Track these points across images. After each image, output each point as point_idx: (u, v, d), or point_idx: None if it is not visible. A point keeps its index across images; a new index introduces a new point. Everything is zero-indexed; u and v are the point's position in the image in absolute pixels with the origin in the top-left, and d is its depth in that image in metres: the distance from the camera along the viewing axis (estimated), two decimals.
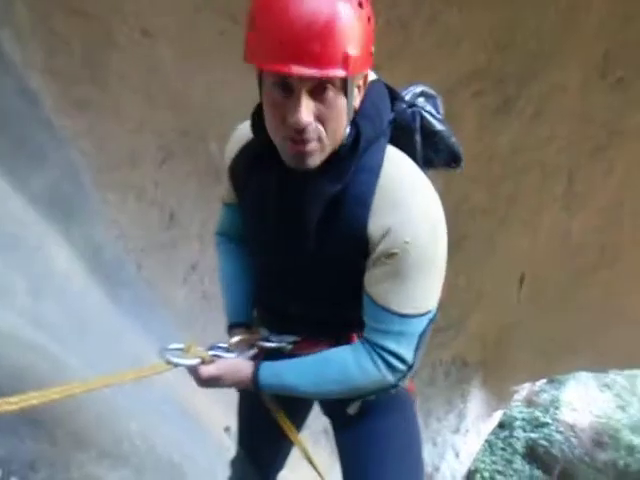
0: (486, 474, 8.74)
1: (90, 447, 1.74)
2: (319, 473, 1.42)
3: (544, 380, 9.05)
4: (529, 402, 9.95)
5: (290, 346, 1.26)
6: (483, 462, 8.84)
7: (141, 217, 3.29)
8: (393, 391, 1.13)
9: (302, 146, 0.95)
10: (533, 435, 9.51)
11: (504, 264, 4.43)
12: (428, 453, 5.99)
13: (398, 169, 1.05)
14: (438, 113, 1.19)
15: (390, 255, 1.01)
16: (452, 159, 1.20)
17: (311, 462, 1.38)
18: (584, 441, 9.44)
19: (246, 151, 1.18)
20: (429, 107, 1.17)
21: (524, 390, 7.27)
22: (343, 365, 1.11)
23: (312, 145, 0.95)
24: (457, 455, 6.43)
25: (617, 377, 10.34)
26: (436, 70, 3.17)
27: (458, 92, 3.23)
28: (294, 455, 1.49)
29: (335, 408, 1.31)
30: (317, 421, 1.59)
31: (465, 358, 5.50)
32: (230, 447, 1.69)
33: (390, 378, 1.09)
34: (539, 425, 9.68)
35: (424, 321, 1.06)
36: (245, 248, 1.35)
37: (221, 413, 3.33)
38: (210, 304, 3.55)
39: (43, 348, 2.07)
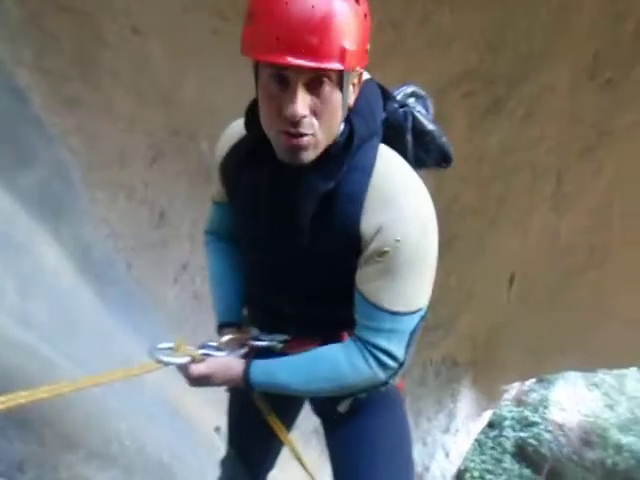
0: (476, 473, 8.78)
1: (79, 448, 1.73)
2: (309, 473, 1.42)
3: (533, 380, 9.12)
4: (518, 401, 10.01)
5: (281, 345, 1.26)
6: (473, 461, 8.88)
7: (131, 216, 3.27)
8: (384, 389, 1.14)
9: (297, 140, 0.95)
10: (522, 434, 9.57)
11: (494, 264, 4.46)
12: (418, 453, 6.01)
13: (390, 168, 1.05)
14: (428, 114, 1.21)
15: (382, 253, 1.02)
16: (443, 159, 1.22)
17: (301, 462, 1.38)
18: (572, 440, 9.52)
19: (238, 148, 1.18)
20: (420, 107, 1.19)
21: (514, 390, 7.31)
22: (334, 363, 1.11)
23: (307, 139, 0.96)
24: (447, 455, 6.45)
25: (605, 376, 10.43)
26: (427, 70, 3.18)
27: (449, 92, 3.24)
28: (284, 455, 1.49)
29: (326, 407, 1.31)
30: (307, 421, 1.59)
31: (455, 358, 5.52)
32: (220, 447, 1.69)
33: (381, 375, 1.09)
34: (528, 424, 9.75)
35: (415, 319, 1.07)
36: (235, 247, 1.35)
37: (211, 413, 3.32)
38: (201, 304, 3.54)
39: (32, 348, 2.05)
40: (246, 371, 1.15)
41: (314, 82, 0.92)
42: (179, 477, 2.52)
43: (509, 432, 9.61)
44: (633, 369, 9.56)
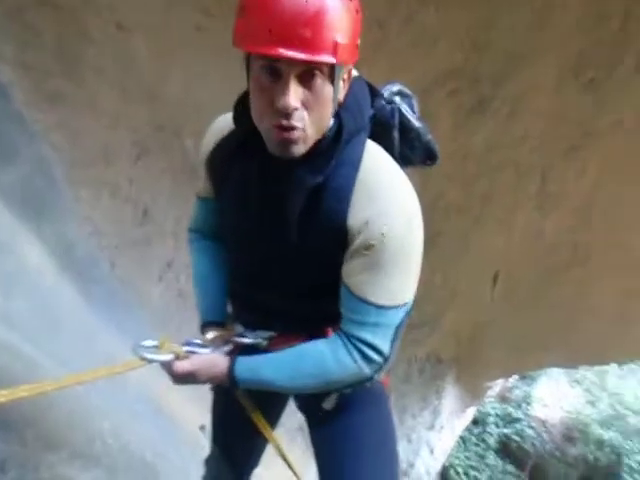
0: (460, 469, 8.84)
1: (61, 447, 1.71)
2: (293, 471, 1.42)
3: (517, 376, 9.20)
4: (502, 398, 10.09)
5: (265, 342, 1.26)
6: (457, 458, 8.94)
7: (115, 214, 3.24)
8: (369, 384, 1.14)
9: (288, 133, 0.96)
10: (506, 430, 9.64)
11: (478, 262, 4.49)
12: (403, 450, 6.03)
13: (377, 163, 1.07)
14: (414, 112, 1.22)
15: (368, 246, 1.03)
16: (428, 156, 1.24)
17: (285, 459, 1.38)
18: (555, 436, 9.62)
19: (225, 142, 1.18)
20: (405, 106, 1.20)
21: (497, 386, 7.36)
22: (319, 358, 1.11)
23: (298, 133, 0.96)
24: (432, 451, 6.49)
25: (587, 373, 10.55)
26: (413, 69, 3.19)
27: (434, 91, 3.25)
28: (269, 452, 1.49)
29: (310, 403, 1.31)
30: (292, 418, 1.59)
31: (440, 355, 5.55)
32: (205, 446, 1.68)
33: (366, 370, 1.10)
34: (512, 421, 9.82)
35: (400, 313, 1.08)
36: (219, 244, 1.35)
37: (196, 412, 3.30)
38: (186, 302, 3.52)
39: (15, 347, 2.03)
40: (230, 368, 1.14)
41: (306, 75, 0.92)
42: (163, 476, 2.51)
43: (493, 428, 9.68)
44: (614, 365, 9.70)
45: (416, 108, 1.24)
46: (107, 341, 2.79)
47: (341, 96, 1.03)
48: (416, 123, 1.19)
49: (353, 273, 1.07)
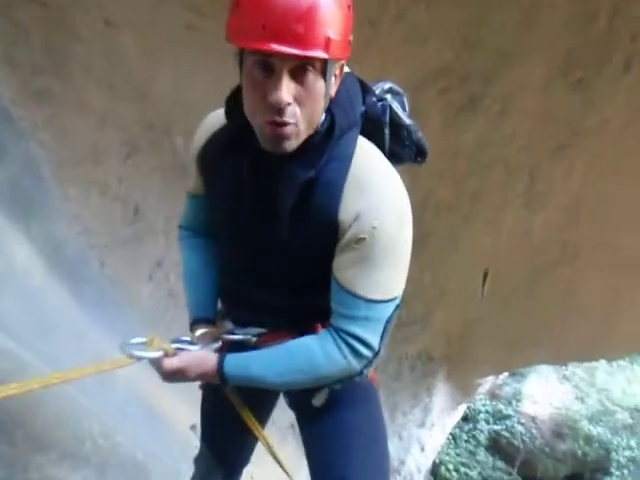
0: (450, 466, 8.88)
1: (50, 448, 1.70)
2: (283, 468, 1.42)
3: (507, 374, 9.25)
4: (492, 395, 10.14)
5: (255, 339, 1.26)
6: (448, 455, 8.98)
7: (104, 213, 3.22)
8: (358, 379, 1.15)
9: (280, 128, 0.96)
10: (496, 427, 9.70)
11: (468, 260, 4.51)
12: (394, 447, 6.06)
13: (369, 159, 1.08)
14: (404, 110, 1.23)
15: (358, 240, 1.03)
16: (418, 154, 1.25)
17: (275, 457, 1.39)
18: (544, 432, 9.68)
19: (217, 138, 1.18)
20: (396, 103, 1.21)
21: (487, 383, 7.41)
22: (309, 353, 1.11)
23: (290, 128, 0.97)
24: (422, 449, 6.52)
25: (576, 369, 10.63)
26: (403, 67, 3.20)
27: (424, 89, 3.27)
28: (260, 450, 1.49)
29: (300, 400, 1.31)
30: (284, 416, 1.59)
31: (430, 353, 5.58)
32: (196, 445, 1.68)
33: (355, 365, 1.10)
34: (502, 417, 9.88)
35: (390, 307, 1.08)
36: (210, 242, 1.35)
37: (187, 411, 3.29)
38: (176, 301, 3.50)
39: (4, 347, 2.01)
40: (220, 365, 1.14)
41: (298, 70, 0.93)
42: (154, 475, 2.50)
43: (483, 425, 9.74)
44: (603, 362, 9.78)
45: (407, 106, 1.26)
46: (97, 340, 2.77)
47: (333, 92, 1.04)
48: (407, 120, 1.20)
49: (343, 267, 1.08)
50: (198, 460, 1.59)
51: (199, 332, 1.24)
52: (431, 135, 1.28)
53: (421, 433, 6.36)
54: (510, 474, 9.25)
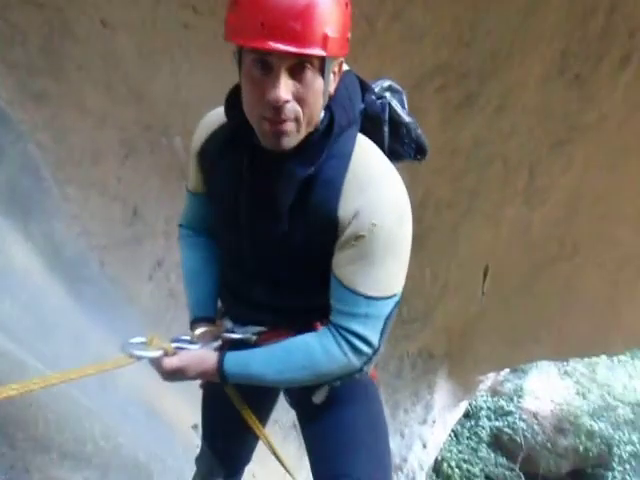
0: (453, 463, 8.90)
1: (51, 449, 1.70)
2: (284, 466, 1.43)
3: (508, 370, 9.26)
4: (494, 392, 10.16)
5: (255, 337, 1.26)
6: (450, 452, 9.00)
7: (104, 213, 3.21)
8: (358, 376, 1.15)
9: (279, 125, 0.97)
10: (498, 424, 9.72)
11: (468, 257, 4.51)
12: (396, 445, 6.06)
13: (368, 156, 1.08)
14: (404, 108, 1.24)
15: (358, 237, 1.04)
16: (418, 151, 1.25)
17: (276, 455, 1.39)
18: (546, 428, 9.70)
19: (217, 136, 1.19)
20: (395, 101, 1.21)
21: (489, 380, 7.41)
22: (309, 351, 1.12)
23: (289, 125, 0.97)
24: (424, 446, 6.52)
25: (577, 365, 10.65)
26: (401, 65, 3.19)
27: (422, 86, 3.26)
28: (262, 449, 1.49)
29: (301, 398, 1.31)
30: (287, 416, 1.60)
31: (431, 350, 5.58)
32: (198, 445, 1.69)
33: (355, 362, 1.10)
34: (503, 414, 9.90)
35: (390, 304, 1.09)
36: (210, 240, 1.35)
37: (189, 411, 3.29)
38: (177, 302, 3.50)
39: (3, 349, 2.01)
40: (220, 363, 1.14)
41: (297, 68, 0.93)
42: (156, 476, 2.50)
43: (485, 422, 9.75)
44: (604, 357, 9.80)
45: (406, 103, 1.26)
46: (97, 341, 2.77)
47: (332, 89, 1.04)
48: (406, 118, 1.21)
49: (343, 264, 1.08)
50: (199, 459, 1.59)
51: (199, 331, 1.24)
52: (429, 132, 1.28)
53: (423, 430, 6.36)
54: (512, 470, 9.27)
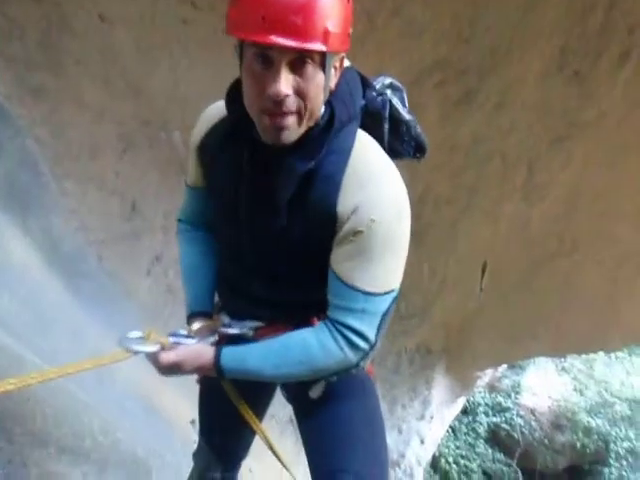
0: (450, 459, 8.94)
1: (49, 444, 1.70)
2: (281, 461, 1.43)
3: (506, 366, 9.28)
4: (491, 388, 10.18)
5: (252, 332, 1.26)
6: (447, 447, 9.03)
7: (102, 208, 3.21)
8: (355, 371, 1.15)
9: (280, 119, 0.97)
10: (495, 420, 9.75)
11: (466, 253, 4.51)
12: (394, 440, 6.08)
13: (368, 152, 1.08)
14: (404, 105, 1.23)
15: (356, 233, 1.04)
16: (417, 149, 1.25)
17: (273, 450, 1.39)
18: (543, 424, 9.73)
19: (217, 130, 1.19)
20: (396, 99, 1.21)
21: (487, 376, 7.43)
22: (305, 346, 1.12)
23: (290, 119, 0.97)
24: (422, 441, 6.54)
25: (575, 361, 10.68)
26: (400, 61, 3.19)
27: (421, 82, 3.26)
28: (259, 444, 1.50)
29: (297, 393, 1.32)
30: (283, 411, 1.60)
31: (429, 346, 5.59)
32: (196, 440, 1.69)
33: (352, 357, 1.11)
34: (501, 410, 9.93)
35: (387, 300, 1.09)
36: (208, 235, 1.35)
37: (187, 406, 3.30)
38: (175, 297, 3.50)
39: (1, 343, 2.01)
40: (216, 358, 1.15)
41: (297, 62, 0.93)
42: (154, 471, 2.51)
43: (482, 418, 9.79)
44: (601, 354, 9.81)
45: (406, 101, 1.26)
46: (95, 336, 2.77)
47: (333, 84, 1.04)
48: (406, 116, 1.21)
49: (341, 259, 1.08)
50: (197, 454, 1.60)
51: (196, 326, 1.24)
52: (428, 129, 1.28)
53: (421, 426, 6.38)
54: (509, 466, 9.31)
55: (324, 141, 1.04)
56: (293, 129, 0.99)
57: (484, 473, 9.12)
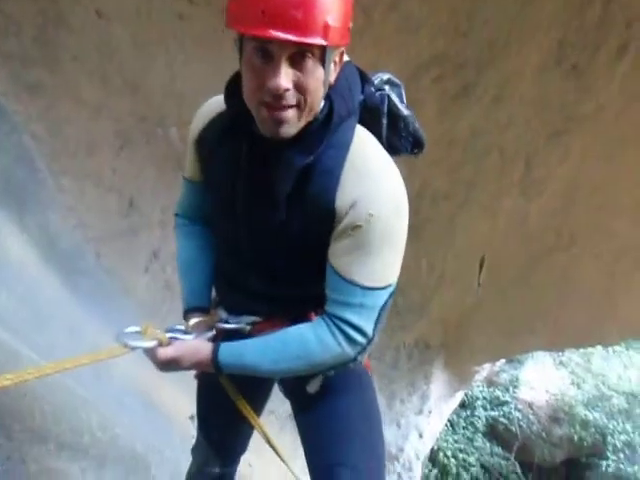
0: (449, 453, 8.96)
1: (48, 440, 1.70)
2: (279, 455, 1.44)
3: (504, 360, 9.30)
4: (489, 382, 10.21)
5: (249, 327, 1.26)
6: (446, 441, 9.05)
7: (99, 204, 3.20)
8: (352, 365, 1.16)
9: (279, 112, 0.97)
10: (493, 413, 9.77)
11: (464, 248, 4.52)
12: (392, 435, 6.09)
13: (367, 147, 1.09)
14: (402, 101, 1.23)
15: (354, 227, 1.04)
16: (415, 145, 1.24)
17: (271, 445, 1.40)
18: (541, 418, 9.76)
19: (215, 124, 1.19)
20: (394, 94, 1.21)
21: (485, 370, 7.45)
22: (303, 340, 1.12)
23: (290, 112, 0.97)
24: (421, 436, 6.56)
25: (572, 355, 10.70)
26: (397, 55, 3.18)
27: (418, 77, 3.25)
28: (259, 439, 1.50)
29: (295, 388, 1.32)
30: (283, 406, 1.60)
31: (427, 341, 5.59)
32: (195, 435, 1.70)
33: (349, 351, 1.11)
34: (499, 404, 9.95)
35: (385, 294, 1.09)
36: (205, 229, 1.35)
37: (186, 401, 3.30)
38: (173, 293, 3.50)
39: None
40: (214, 353, 1.15)
41: (297, 56, 0.93)
42: (153, 466, 2.51)
43: (481, 412, 9.81)
44: (599, 347, 9.84)
45: (404, 97, 1.26)
46: (93, 333, 2.77)
47: (332, 78, 1.04)
48: (404, 111, 1.21)
49: (339, 254, 1.08)
50: (195, 450, 1.60)
51: (193, 321, 1.24)
52: (426, 124, 1.28)
53: (419, 420, 6.40)
54: (508, 459, 9.34)
55: (323, 136, 1.04)
56: (293, 122, 0.99)
57: (482, 467, 9.15)
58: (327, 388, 1.26)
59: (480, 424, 9.63)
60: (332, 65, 1.01)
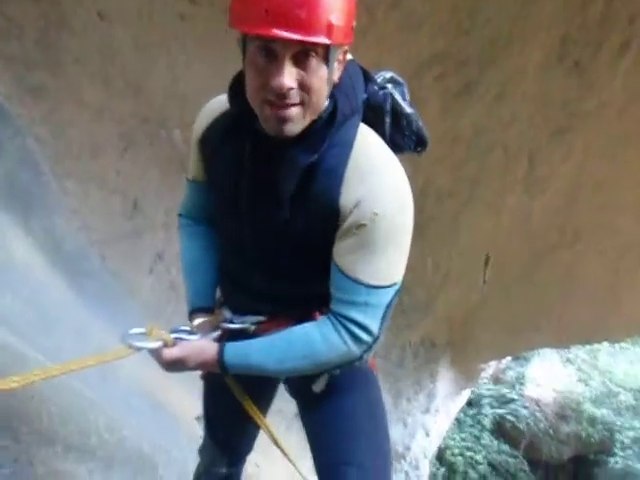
0: (456, 451, 8.95)
1: (56, 442, 1.71)
2: (286, 455, 1.44)
3: (510, 358, 9.28)
4: (496, 379, 10.20)
5: (254, 327, 1.26)
6: (453, 440, 9.05)
7: (103, 207, 3.21)
8: (357, 364, 1.16)
9: (283, 110, 0.96)
10: (500, 411, 9.76)
11: (469, 246, 4.51)
12: (399, 434, 6.09)
13: (370, 145, 1.08)
14: (405, 100, 1.23)
15: (359, 226, 1.04)
16: (418, 143, 1.24)
17: (277, 444, 1.40)
18: (548, 415, 9.74)
19: (219, 123, 1.19)
20: (397, 93, 1.21)
21: (491, 368, 7.45)
22: (308, 340, 1.12)
23: (294, 110, 0.97)
24: (427, 434, 6.55)
25: (579, 352, 10.69)
26: (400, 53, 3.17)
27: (421, 75, 3.25)
28: (266, 439, 1.50)
29: (301, 387, 1.32)
30: (290, 406, 1.60)
31: (433, 339, 5.59)
32: (202, 435, 1.70)
33: (355, 350, 1.11)
34: (506, 401, 9.94)
35: (390, 293, 1.09)
36: (209, 230, 1.35)
37: (193, 402, 3.31)
38: (177, 294, 3.50)
39: (4, 343, 2.02)
40: (220, 353, 1.15)
41: (301, 55, 0.93)
42: (160, 467, 2.52)
43: (487, 410, 9.80)
44: (605, 344, 9.83)
45: (407, 95, 1.26)
46: (98, 335, 2.77)
47: (336, 77, 1.04)
48: (408, 109, 1.20)
49: (344, 253, 1.08)
50: (202, 450, 1.61)
51: (198, 321, 1.25)
52: (429, 122, 1.28)
53: (426, 419, 6.39)
54: (515, 457, 9.32)
55: (327, 134, 1.03)
56: (297, 120, 0.99)
57: (490, 464, 9.13)
58: (333, 387, 1.26)
59: (487, 422, 9.62)
60: (336, 64, 1.01)
